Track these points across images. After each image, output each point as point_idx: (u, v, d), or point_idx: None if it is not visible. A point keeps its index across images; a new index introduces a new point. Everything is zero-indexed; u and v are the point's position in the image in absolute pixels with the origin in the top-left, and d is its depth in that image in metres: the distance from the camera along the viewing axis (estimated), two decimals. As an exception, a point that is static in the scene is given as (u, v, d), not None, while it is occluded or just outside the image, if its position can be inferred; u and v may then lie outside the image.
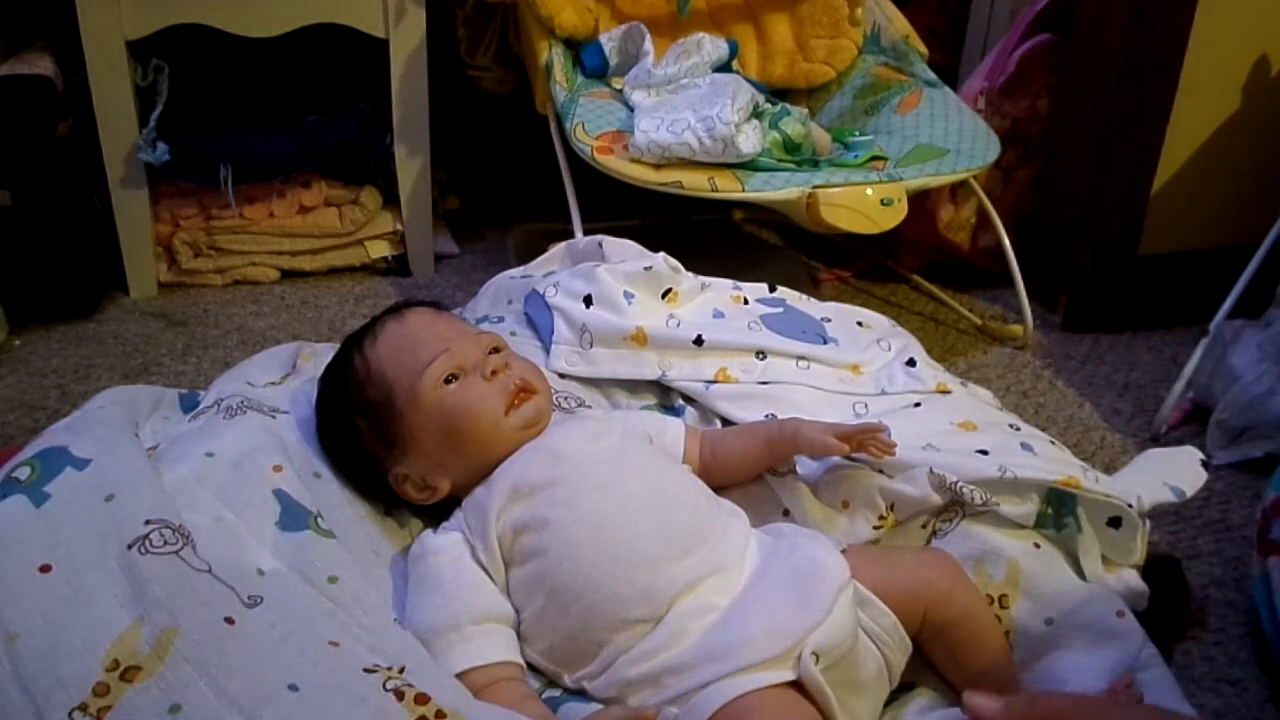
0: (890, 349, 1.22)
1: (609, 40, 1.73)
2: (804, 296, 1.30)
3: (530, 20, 1.72)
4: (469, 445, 0.93)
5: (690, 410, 1.14)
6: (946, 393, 1.17)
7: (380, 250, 1.92)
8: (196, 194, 1.81)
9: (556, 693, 0.88)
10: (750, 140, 1.46)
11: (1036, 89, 1.83)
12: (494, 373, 0.95)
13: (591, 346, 1.15)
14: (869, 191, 1.44)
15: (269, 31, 1.72)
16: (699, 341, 1.15)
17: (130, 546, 0.78)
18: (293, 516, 0.88)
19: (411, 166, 1.86)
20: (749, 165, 1.48)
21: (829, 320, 1.25)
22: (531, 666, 0.88)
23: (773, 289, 1.29)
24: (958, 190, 1.83)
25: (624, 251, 1.27)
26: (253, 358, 1.16)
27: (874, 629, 0.85)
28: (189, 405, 1.06)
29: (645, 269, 1.20)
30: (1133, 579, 1.00)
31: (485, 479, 0.92)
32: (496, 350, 0.97)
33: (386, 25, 1.76)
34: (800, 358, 1.18)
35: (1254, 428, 1.42)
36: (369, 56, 1.80)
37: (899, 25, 1.81)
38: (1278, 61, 1.71)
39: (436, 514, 0.96)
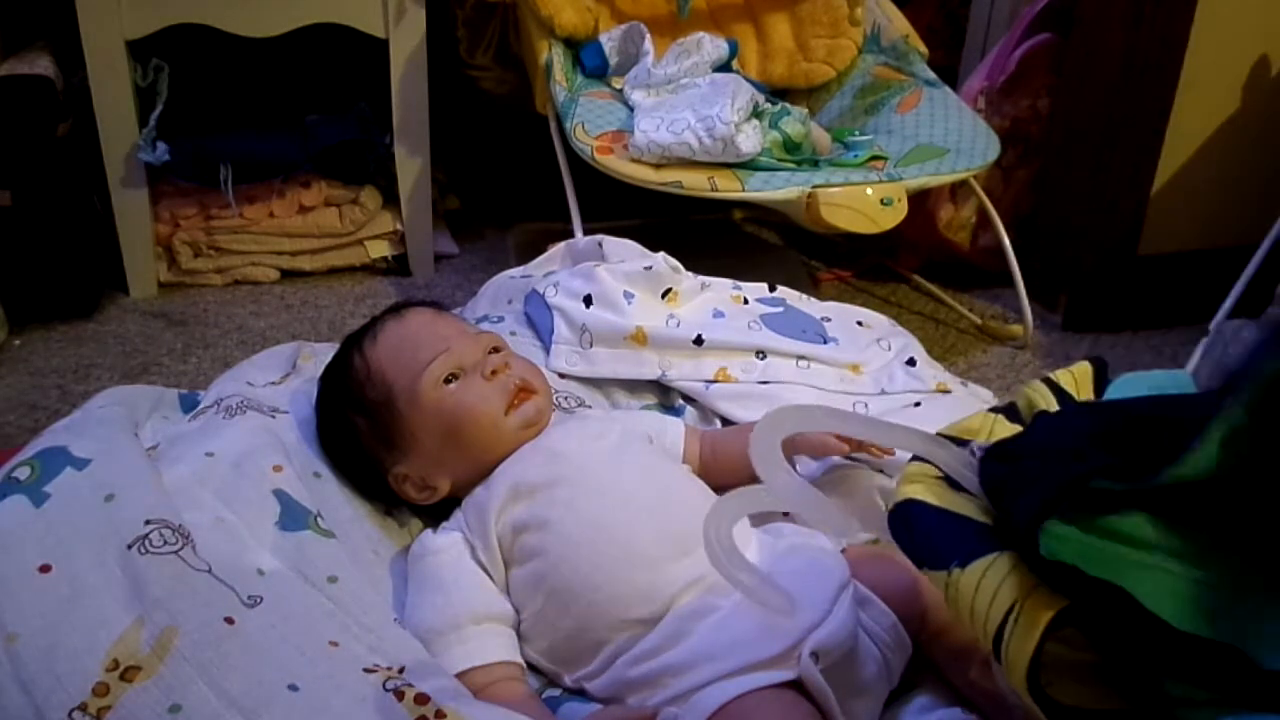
0: (890, 348, 1.22)
1: (609, 40, 1.73)
2: (804, 296, 1.30)
3: (530, 20, 1.72)
4: (469, 445, 0.93)
5: (690, 410, 1.14)
6: (946, 392, 1.17)
7: (380, 250, 1.92)
8: (196, 194, 1.81)
9: (556, 693, 0.88)
10: (750, 140, 1.46)
11: (1036, 89, 1.83)
12: (494, 372, 0.95)
13: (591, 346, 1.14)
14: (869, 191, 1.44)
15: (269, 31, 1.72)
16: (699, 341, 1.15)
17: (130, 546, 0.78)
18: (292, 516, 0.88)
19: (411, 166, 1.86)
20: (749, 165, 1.48)
21: (829, 320, 1.25)
22: (531, 666, 0.88)
23: (773, 289, 1.29)
24: (958, 190, 1.83)
25: (624, 251, 1.27)
26: (253, 358, 1.16)
27: (874, 629, 0.85)
28: (189, 405, 1.06)
29: (645, 269, 1.20)
30: (1133, 579, 1.00)
31: (485, 479, 0.92)
32: (496, 350, 0.97)
33: (386, 25, 1.76)
34: (800, 357, 1.18)
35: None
36: (369, 56, 1.80)
37: (899, 25, 1.81)
38: (1278, 61, 1.71)
39: (436, 514, 0.96)
